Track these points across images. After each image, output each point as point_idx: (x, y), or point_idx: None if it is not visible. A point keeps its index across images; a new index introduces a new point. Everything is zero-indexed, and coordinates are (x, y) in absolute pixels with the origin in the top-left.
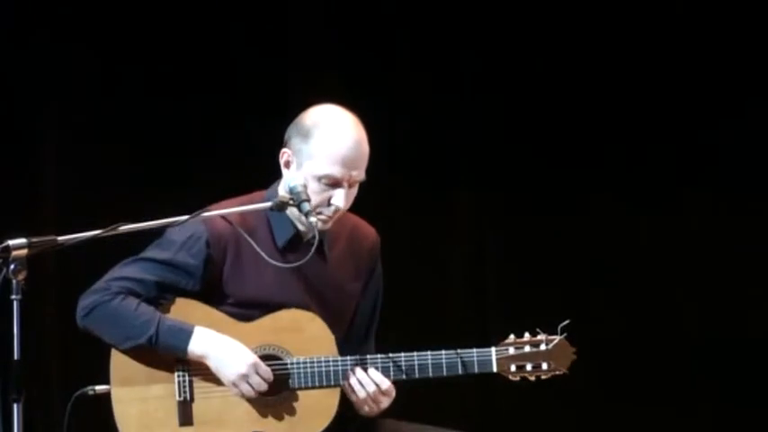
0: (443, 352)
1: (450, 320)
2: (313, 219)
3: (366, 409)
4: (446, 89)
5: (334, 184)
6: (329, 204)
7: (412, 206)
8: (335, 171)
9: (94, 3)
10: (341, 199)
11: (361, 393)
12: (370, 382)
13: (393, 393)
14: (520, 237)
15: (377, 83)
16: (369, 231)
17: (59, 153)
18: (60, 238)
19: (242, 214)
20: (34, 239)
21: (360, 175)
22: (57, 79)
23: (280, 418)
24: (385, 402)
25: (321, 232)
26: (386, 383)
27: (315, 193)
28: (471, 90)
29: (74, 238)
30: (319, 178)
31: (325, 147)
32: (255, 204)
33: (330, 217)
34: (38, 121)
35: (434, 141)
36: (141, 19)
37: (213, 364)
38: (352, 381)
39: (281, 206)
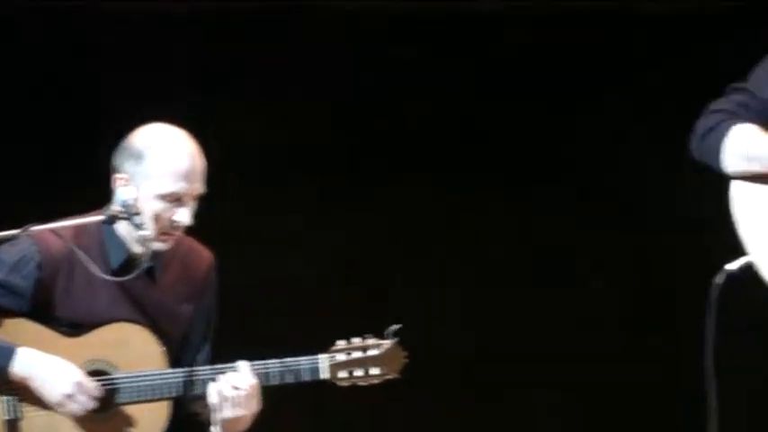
0: (270, 361)
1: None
2: (145, 232)
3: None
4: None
5: (178, 200)
6: (173, 222)
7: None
8: (178, 187)
9: None
10: (186, 215)
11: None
12: (242, 382)
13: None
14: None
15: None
16: (204, 254)
17: None
18: None
19: (76, 235)
20: None
21: (201, 187)
22: None
23: None
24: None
25: (155, 255)
26: (251, 380)
27: (157, 214)
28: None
29: None
30: (162, 197)
31: (163, 164)
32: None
33: (173, 236)
34: None
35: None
36: None
37: (36, 385)
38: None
39: (112, 219)
